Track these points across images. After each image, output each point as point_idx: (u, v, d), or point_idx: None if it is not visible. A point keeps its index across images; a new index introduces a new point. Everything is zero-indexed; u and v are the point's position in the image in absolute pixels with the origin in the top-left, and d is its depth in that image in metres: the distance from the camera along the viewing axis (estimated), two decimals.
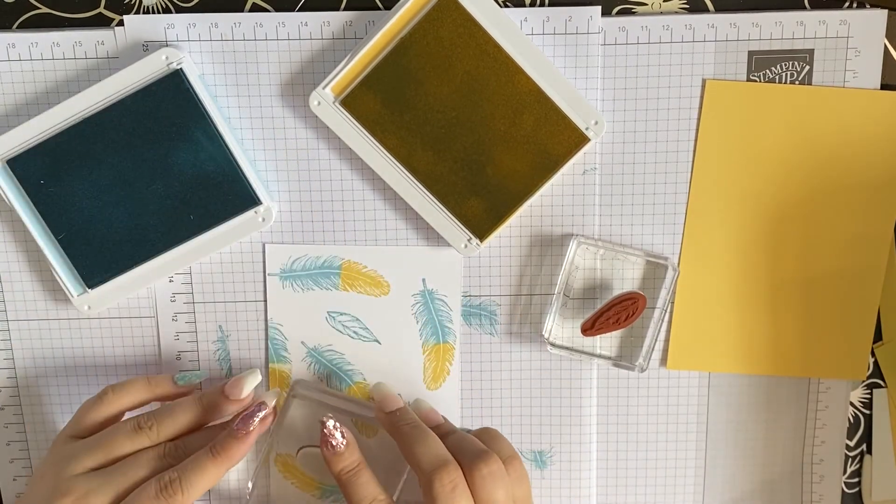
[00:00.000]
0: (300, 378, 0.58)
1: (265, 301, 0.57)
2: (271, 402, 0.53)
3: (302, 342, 0.58)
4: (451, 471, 0.48)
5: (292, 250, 0.57)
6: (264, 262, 0.57)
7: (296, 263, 0.57)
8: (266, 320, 0.58)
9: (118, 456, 0.51)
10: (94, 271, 0.55)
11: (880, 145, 0.54)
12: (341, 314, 0.57)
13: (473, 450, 0.50)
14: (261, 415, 0.52)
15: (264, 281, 0.57)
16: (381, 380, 0.58)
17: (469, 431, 0.53)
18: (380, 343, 0.58)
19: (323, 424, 0.52)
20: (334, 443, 0.51)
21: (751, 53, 0.54)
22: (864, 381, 0.59)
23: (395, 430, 0.52)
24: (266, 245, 0.56)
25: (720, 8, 0.53)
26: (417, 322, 0.58)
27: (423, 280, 0.57)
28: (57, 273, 0.55)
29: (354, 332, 0.58)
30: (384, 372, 0.58)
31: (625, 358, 0.58)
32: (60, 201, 0.54)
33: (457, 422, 0.59)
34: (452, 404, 0.59)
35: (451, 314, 0.57)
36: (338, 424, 0.52)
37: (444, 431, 0.52)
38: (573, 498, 0.60)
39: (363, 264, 0.57)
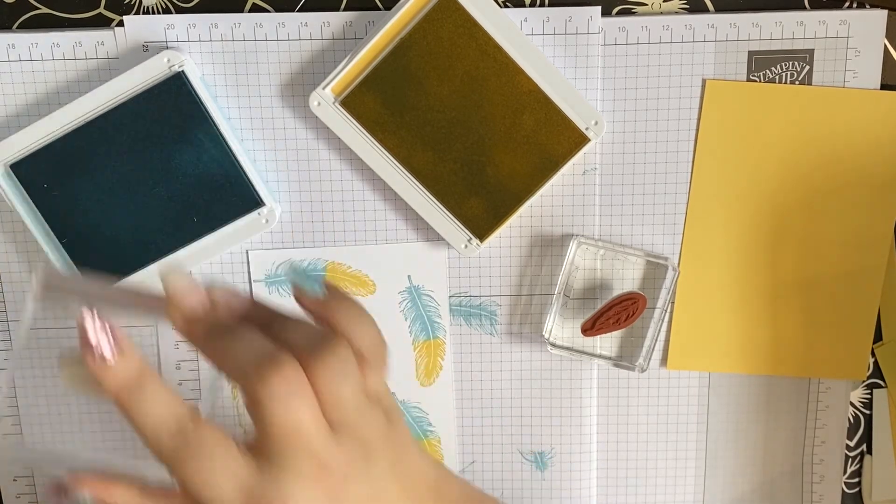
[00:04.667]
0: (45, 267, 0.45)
1: None
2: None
3: None
4: (283, 366, 0.35)
5: (276, 256, 0.56)
6: (248, 269, 0.57)
7: (280, 268, 0.57)
8: None
9: None
10: (98, 275, 0.55)
11: (880, 145, 0.54)
12: None
13: (308, 335, 0.37)
14: None
15: (250, 288, 0.57)
16: None
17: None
18: None
19: (80, 325, 0.36)
20: (103, 352, 0.36)
21: (751, 53, 0.54)
22: (864, 381, 0.59)
23: (199, 337, 0.37)
24: (249, 252, 0.56)
25: (720, 8, 0.53)
26: (406, 319, 0.58)
27: (409, 277, 0.57)
28: None
29: None
30: None
31: (625, 358, 0.58)
32: (63, 205, 0.54)
33: (456, 422, 0.59)
34: (448, 399, 0.59)
35: (440, 309, 0.57)
36: (102, 322, 0.36)
37: (266, 319, 0.39)
38: (573, 499, 0.60)
39: (347, 265, 0.57)
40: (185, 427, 0.35)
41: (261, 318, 0.38)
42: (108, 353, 0.35)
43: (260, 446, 0.36)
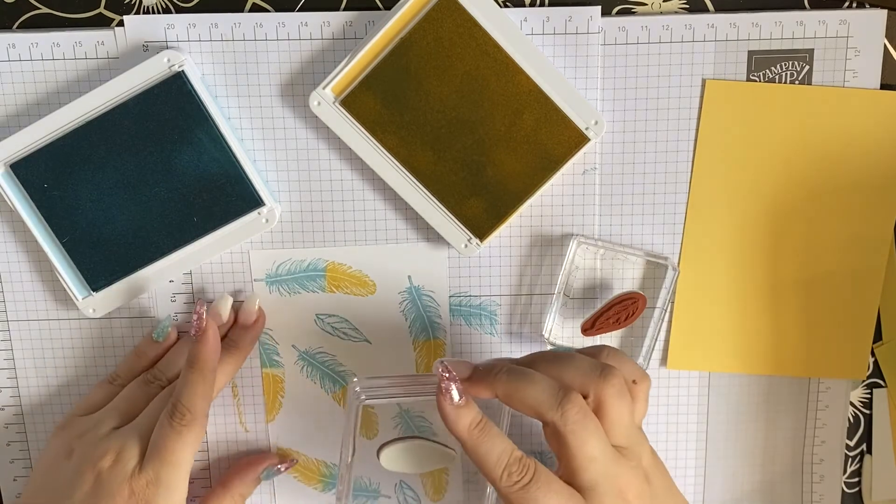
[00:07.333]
0: (357, 379, 0.50)
1: None
2: (225, 305, 0.55)
3: (293, 346, 0.58)
4: (574, 400, 0.43)
5: (276, 255, 0.56)
6: (249, 269, 0.57)
7: (280, 268, 0.57)
8: None
9: (138, 411, 0.53)
10: (98, 274, 0.55)
11: (880, 145, 0.54)
12: (330, 316, 0.57)
13: (583, 369, 0.45)
14: (201, 311, 0.52)
15: (251, 287, 0.57)
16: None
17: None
18: (370, 343, 0.58)
19: (441, 378, 0.45)
20: (454, 398, 0.45)
21: (751, 53, 0.54)
22: (864, 381, 0.59)
23: (493, 387, 0.46)
24: (250, 252, 0.56)
25: (720, 8, 0.53)
26: (406, 319, 0.58)
27: (409, 277, 0.57)
28: (61, 276, 0.54)
29: (344, 334, 0.58)
30: (376, 371, 0.58)
31: None
32: (64, 205, 0.54)
33: None
34: None
35: (440, 309, 0.57)
36: (451, 373, 0.45)
37: (532, 359, 0.48)
38: None
39: (347, 265, 0.57)
40: (525, 462, 0.44)
41: (528, 361, 0.47)
42: (458, 399, 0.45)
43: (570, 478, 0.44)
